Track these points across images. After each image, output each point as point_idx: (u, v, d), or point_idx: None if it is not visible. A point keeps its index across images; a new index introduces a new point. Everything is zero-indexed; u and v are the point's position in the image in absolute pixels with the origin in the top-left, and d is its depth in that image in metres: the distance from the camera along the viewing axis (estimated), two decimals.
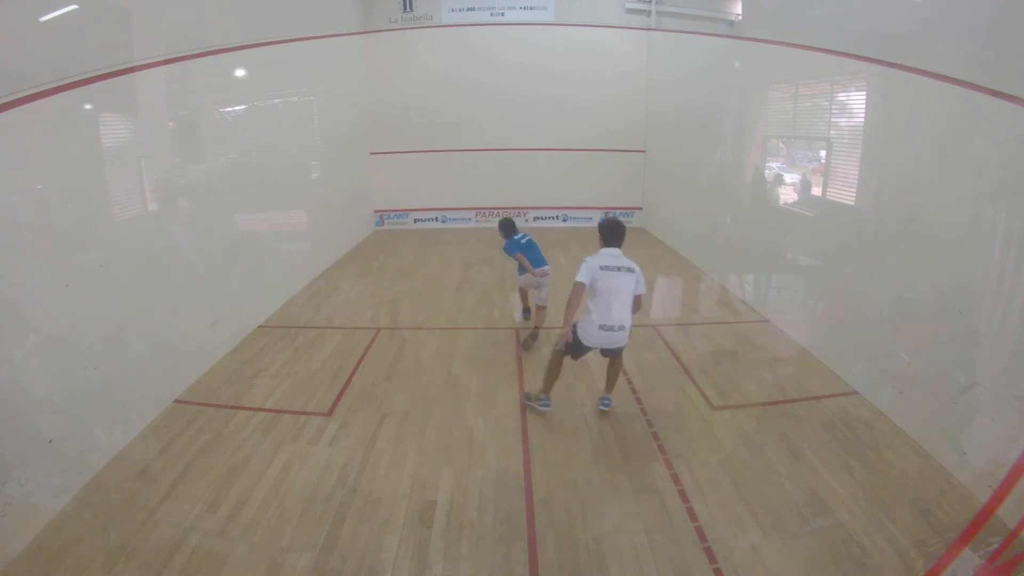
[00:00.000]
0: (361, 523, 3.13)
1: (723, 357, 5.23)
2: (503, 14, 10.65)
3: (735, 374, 4.90)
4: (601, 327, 3.83)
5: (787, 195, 6.13)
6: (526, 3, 10.63)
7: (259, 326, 6.04)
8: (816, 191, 5.56)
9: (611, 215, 4.01)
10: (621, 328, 3.86)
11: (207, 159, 5.56)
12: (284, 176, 7.24)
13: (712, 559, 2.85)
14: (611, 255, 3.93)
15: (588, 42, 10.64)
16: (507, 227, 5.93)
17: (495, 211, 11.47)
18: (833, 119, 5.38)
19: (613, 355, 4.12)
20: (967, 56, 3.61)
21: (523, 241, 5.80)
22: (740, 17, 7.96)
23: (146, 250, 4.34)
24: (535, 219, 11.51)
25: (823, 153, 5.48)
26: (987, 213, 3.48)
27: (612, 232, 4.00)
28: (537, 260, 5.70)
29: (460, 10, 10.62)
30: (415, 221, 11.56)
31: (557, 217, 11.52)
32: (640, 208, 11.46)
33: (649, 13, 10.40)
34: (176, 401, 4.43)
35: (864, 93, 4.86)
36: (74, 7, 3.77)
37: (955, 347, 3.60)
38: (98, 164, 3.97)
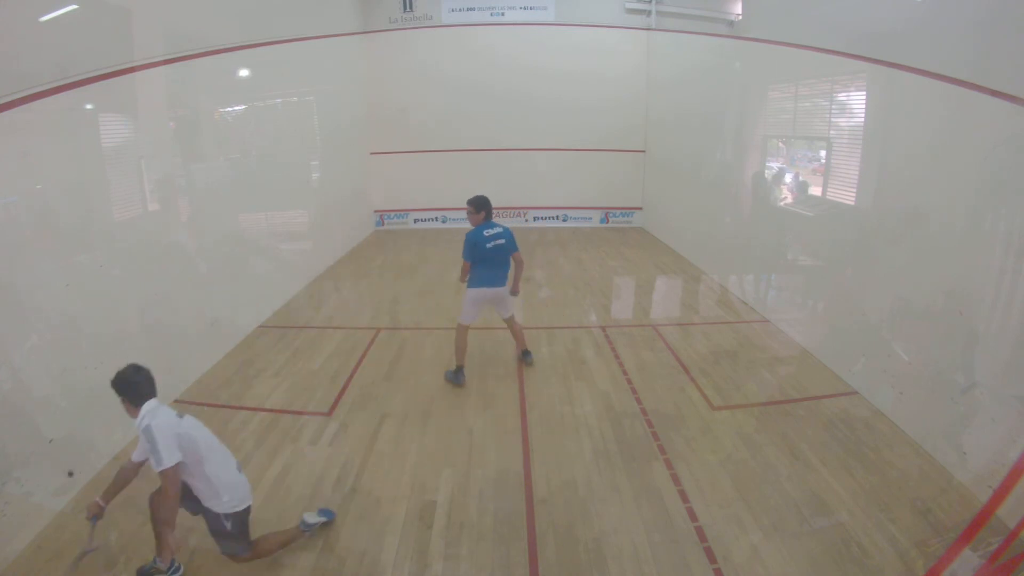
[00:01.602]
0: (361, 523, 3.13)
1: (723, 357, 5.23)
2: (503, 14, 10.66)
3: (735, 374, 4.90)
4: (239, 468, 2.83)
5: (787, 195, 6.13)
6: (526, 3, 10.63)
7: (259, 326, 6.04)
8: (816, 191, 5.56)
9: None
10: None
11: (207, 159, 5.56)
12: (284, 176, 7.24)
13: (712, 559, 2.85)
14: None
15: (588, 42, 10.65)
16: (479, 206, 4.56)
17: (495, 211, 11.44)
18: (833, 119, 5.38)
19: None
20: (967, 56, 3.61)
21: (489, 245, 4.48)
22: (740, 17, 7.97)
23: (146, 250, 4.34)
24: (535, 219, 11.51)
25: (823, 153, 5.49)
26: (987, 213, 3.48)
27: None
28: (492, 276, 4.55)
29: (460, 10, 10.62)
30: (415, 221, 11.56)
31: (557, 217, 11.52)
32: (640, 208, 11.47)
33: (649, 13, 10.40)
34: (176, 401, 4.42)
35: (864, 93, 4.87)
36: (74, 7, 3.77)
37: (955, 347, 3.60)
38: (98, 164, 3.97)
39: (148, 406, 2.62)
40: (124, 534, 3.02)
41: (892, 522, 3.05)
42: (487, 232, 4.51)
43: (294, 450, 3.81)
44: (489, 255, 4.50)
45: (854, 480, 3.41)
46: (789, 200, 6.09)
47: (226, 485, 2.62)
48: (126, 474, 2.67)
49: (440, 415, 4.26)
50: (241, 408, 4.36)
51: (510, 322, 4.96)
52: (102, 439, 3.68)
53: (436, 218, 11.56)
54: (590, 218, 11.54)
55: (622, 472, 3.55)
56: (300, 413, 4.30)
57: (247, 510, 2.72)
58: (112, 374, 3.70)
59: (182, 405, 4.35)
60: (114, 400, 3.75)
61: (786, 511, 3.18)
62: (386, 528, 3.08)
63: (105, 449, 3.68)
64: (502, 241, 4.55)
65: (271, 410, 4.32)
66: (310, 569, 2.83)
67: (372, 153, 11.12)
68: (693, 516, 3.14)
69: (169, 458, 2.43)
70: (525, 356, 5.09)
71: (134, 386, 2.63)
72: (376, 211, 11.52)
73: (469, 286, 4.61)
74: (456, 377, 4.71)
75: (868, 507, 3.17)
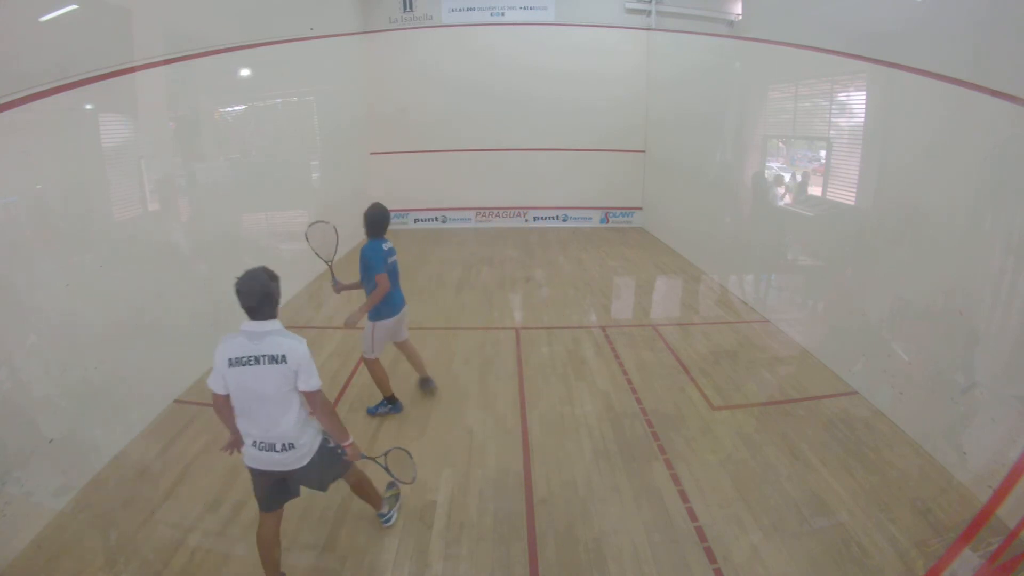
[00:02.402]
0: (361, 523, 3.13)
1: (723, 357, 5.23)
2: (503, 14, 10.66)
3: (735, 374, 4.90)
4: (256, 444, 2.48)
5: (787, 195, 6.13)
6: (526, 3, 10.64)
7: None
8: (816, 191, 5.56)
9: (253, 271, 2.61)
10: (286, 447, 2.47)
11: (207, 159, 5.55)
12: (284, 176, 7.24)
13: (712, 559, 2.85)
14: (252, 334, 2.45)
15: (588, 42, 10.65)
16: (375, 222, 3.91)
17: (495, 211, 11.47)
18: (833, 119, 5.38)
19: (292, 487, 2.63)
20: (967, 56, 3.61)
21: (391, 260, 3.95)
22: (740, 17, 7.97)
23: (146, 250, 4.34)
24: (535, 219, 11.51)
25: (823, 153, 5.49)
26: (987, 213, 3.48)
27: (252, 290, 2.55)
28: (400, 297, 4.08)
29: (460, 10, 10.63)
30: (415, 221, 11.56)
31: (557, 217, 11.52)
32: (640, 208, 11.47)
33: (649, 13, 10.41)
34: (176, 401, 4.42)
35: (864, 93, 4.87)
36: (74, 7, 3.77)
37: (955, 347, 3.60)
38: (98, 164, 3.97)
39: (244, 325, 2.48)
40: (124, 534, 3.02)
41: (892, 522, 3.05)
42: (385, 246, 3.94)
43: None
44: (392, 271, 3.96)
45: (854, 480, 3.41)
46: (789, 200, 6.09)
47: (246, 438, 2.48)
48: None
49: (440, 415, 4.26)
50: None
51: (406, 346, 4.34)
52: (102, 439, 3.68)
53: (436, 218, 11.56)
54: (590, 218, 11.54)
55: (622, 472, 3.55)
56: None
57: (254, 472, 2.51)
58: (112, 373, 3.73)
59: (183, 405, 4.38)
60: (113, 400, 3.79)
61: (786, 511, 3.18)
62: (386, 528, 3.08)
63: (105, 449, 3.67)
64: (395, 257, 4.02)
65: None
66: (310, 569, 2.83)
67: (372, 153, 11.12)
68: (693, 516, 3.14)
69: (211, 382, 2.43)
70: (426, 384, 4.49)
71: (242, 299, 2.52)
72: None
73: (382, 317, 3.97)
74: (395, 407, 4.21)
75: (868, 507, 3.17)
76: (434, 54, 10.70)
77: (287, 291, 7.92)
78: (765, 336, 5.76)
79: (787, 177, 6.11)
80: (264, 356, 2.38)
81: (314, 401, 2.48)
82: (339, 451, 2.65)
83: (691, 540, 2.98)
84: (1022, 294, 3.19)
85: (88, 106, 3.87)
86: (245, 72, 6.25)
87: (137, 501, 3.28)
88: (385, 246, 3.93)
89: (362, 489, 2.93)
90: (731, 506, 3.22)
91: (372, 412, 4.25)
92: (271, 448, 2.46)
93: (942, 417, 3.61)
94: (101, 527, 3.08)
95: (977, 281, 3.47)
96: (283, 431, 2.44)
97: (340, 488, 3.40)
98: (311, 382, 2.42)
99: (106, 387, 3.71)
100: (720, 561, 2.83)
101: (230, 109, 6.15)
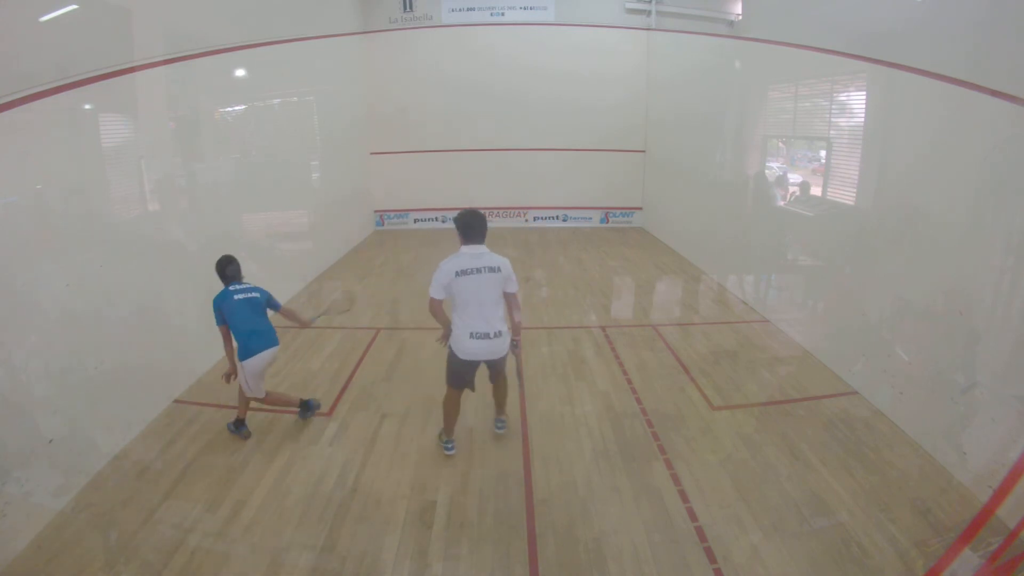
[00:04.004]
0: (361, 523, 3.13)
1: (723, 357, 5.23)
2: (503, 14, 10.67)
3: (735, 374, 4.90)
4: (473, 335, 3.40)
5: (787, 195, 6.13)
6: (526, 3, 10.64)
7: None
8: (816, 191, 5.56)
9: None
10: (497, 334, 3.43)
11: (207, 159, 5.56)
12: (284, 176, 7.24)
13: (712, 559, 2.85)
14: (472, 255, 3.41)
15: (588, 42, 10.66)
16: (225, 266, 3.77)
17: (495, 211, 11.46)
18: (833, 119, 5.38)
19: (496, 369, 3.70)
20: (967, 56, 3.61)
21: (237, 297, 3.70)
22: (740, 17, 7.97)
23: (146, 250, 4.34)
24: (535, 219, 11.51)
25: (823, 153, 5.49)
26: (987, 213, 3.48)
27: (472, 225, 3.44)
28: (262, 336, 3.82)
29: (460, 10, 10.63)
30: (415, 221, 11.56)
31: (557, 217, 11.53)
32: (640, 208, 11.47)
33: (649, 13, 10.41)
34: (176, 401, 4.42)
35: (864, 93, 4.87)
36: (74, 7, 3.77)
37: (955, 347, 3.60)
38: (98, 164, 3.98)
39: (463, 249, 3.43)
40: (124, 534, 3.02)
41: (892, 522, 3.05)
42: (231, 287, 3.76)
43: (294, 450, 3.82)
44: (238, 310, 3.72)
45: (854, 480, 3.41)
46: (789, 200, 6.09)
47: (463, 330, 3.40)
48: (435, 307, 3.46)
49: (440, 415, 4.25)
50: None
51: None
52: (102, 439, 3.68)
53: (436, 218, 11.55)
54: (590, 218, 11.54)
55: (622, 472, 3.55)
56: None
57: (463, 364, 3.53)
58: (112, 373, 3.73)
59: (183, 405, 4.38)
60: (113, 400, 3.78)
61: (786, 511, 3.18)
62: (386, 528, 3.08)
63: (105, 449, 3.67)
64: (254, 291, 3.84)
65: (271, 410, 4.32)
66: (310, 569, 2.83)
67: (372, 153, 11.12)
68: (693, 516, 3.14)
69: (432, 291, 3.38)
70: (239, 427, 3.95)
71: (474, 227, 3.43)
72: (376, 211, 11.53)
73: (243, 357, 3.75)
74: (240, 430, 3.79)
75: (868, 507, 3.17)
76: (434, 54, 10.70)
77: (287, 291, 7.90)
78: (765, 336, 5.76)
79: (787, 177, 6.11)
80: (485, 267, 3.39)
81: (514, 299, 3.54)
82: (513, 342, 3.59)
83: (691, 540, 2.97)
84: (1022, 294, 3.19)
85: (88, 106, 3.87)
86: (245, 72, 6.25)
87: (137, 501, 3.28)
88: (233, 288, 3.75)
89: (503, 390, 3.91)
90: (731, 506, 3.22)
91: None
92: (485, 336, 3.39)
93: (942, 417, 3.61)
94: (101, 527, 3.08)
95: (977, 281, 3.47)
96: (495, 322, 3.42)
97: (341, 487, 3.41)
98: (515, 286, 3.49)
99: (106, 387, 3.71)
100: (720, 561, 2.83)
101: (230, 109, 6.15)
